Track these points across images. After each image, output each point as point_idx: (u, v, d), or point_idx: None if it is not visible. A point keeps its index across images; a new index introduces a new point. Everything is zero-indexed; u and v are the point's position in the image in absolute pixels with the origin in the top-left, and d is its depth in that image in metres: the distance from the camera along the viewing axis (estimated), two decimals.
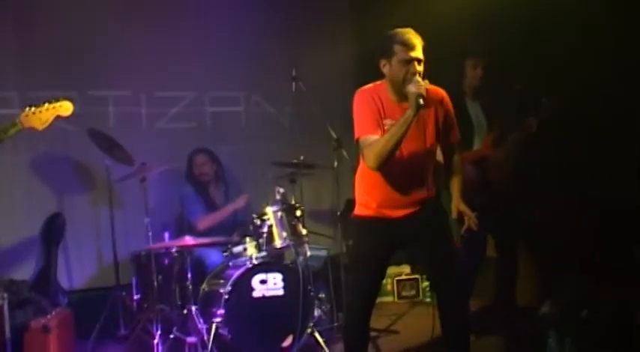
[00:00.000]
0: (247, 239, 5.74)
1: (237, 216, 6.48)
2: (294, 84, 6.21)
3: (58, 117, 4.57)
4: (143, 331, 5.73)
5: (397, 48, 3.96)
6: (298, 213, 5.72)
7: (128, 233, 6.41)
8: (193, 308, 5.55)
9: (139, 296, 5.96)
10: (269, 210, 5.65)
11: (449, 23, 5.85)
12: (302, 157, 6.10)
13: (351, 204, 6.88)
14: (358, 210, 4.29)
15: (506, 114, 5.68)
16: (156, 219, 6.07)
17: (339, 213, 6.32)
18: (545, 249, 5.99)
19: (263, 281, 5.46)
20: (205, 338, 5.31)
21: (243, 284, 5.41)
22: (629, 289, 4.92)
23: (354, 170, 6.33)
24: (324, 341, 5.46)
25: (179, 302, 5.76)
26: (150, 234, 5.80)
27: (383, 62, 4.05)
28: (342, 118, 7.35)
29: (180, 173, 6.64)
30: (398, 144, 3.88)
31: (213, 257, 6.09)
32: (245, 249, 5.71)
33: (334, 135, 6.16)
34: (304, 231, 5.71)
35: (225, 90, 7.61)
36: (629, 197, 5.27)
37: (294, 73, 6.20)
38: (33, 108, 4.50)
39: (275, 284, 5.50)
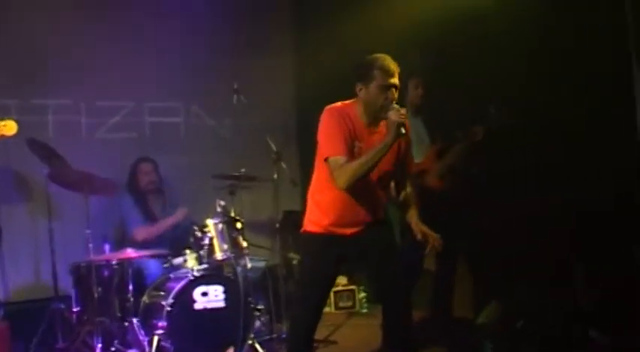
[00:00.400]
0: (187, 251, 5.75)
1: (176, 230, 6.43)
2: (235, 96, 6.25)
3: (2, 136, 4.60)
4: (83, 344, 5.68)
5: (377, 73, 4.01)
6: (239, 225, 5.77)
7: (67, 244, 6.26)
8: (134, 320, 5.55)
9: (78, 308, 5.84)
10: (210, 222, 5.69)
11: (391, 42, 5.95)
12: (243, 170, 6.13)
13: (289, 215, 7.00)
14: (308, 227, 4.30)
15: (446, 128, 5.82)
16: (96, 230, 5.95)
17: (277, 225, 6.37)
18: (487, 259, 6.05)
19: (204, 294, 5.50)
20: (147, 350, 5.32)
21: (184, 296, 5.44)
22: (569, 299, 5.07)
23: (295, 183, 6.47)
24: None
25: (119, 315, 5.72)
26: (90, 245, 5.75)
27: (359, 86, 4.09)
28: (281, 131, 7.46)
29: (120, 183, 6.52)
30: (372, 169, 3.95)
31: (153, 268, 6.06)
32: (185, 261, 5.72)
33: (274, 148, 6.22)
34: (245, 244, 5.75)
35: (164, 101, 7.57)
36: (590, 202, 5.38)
37: (235, 86, 6.24)
38: None
39: (216, 296, 5.54)
